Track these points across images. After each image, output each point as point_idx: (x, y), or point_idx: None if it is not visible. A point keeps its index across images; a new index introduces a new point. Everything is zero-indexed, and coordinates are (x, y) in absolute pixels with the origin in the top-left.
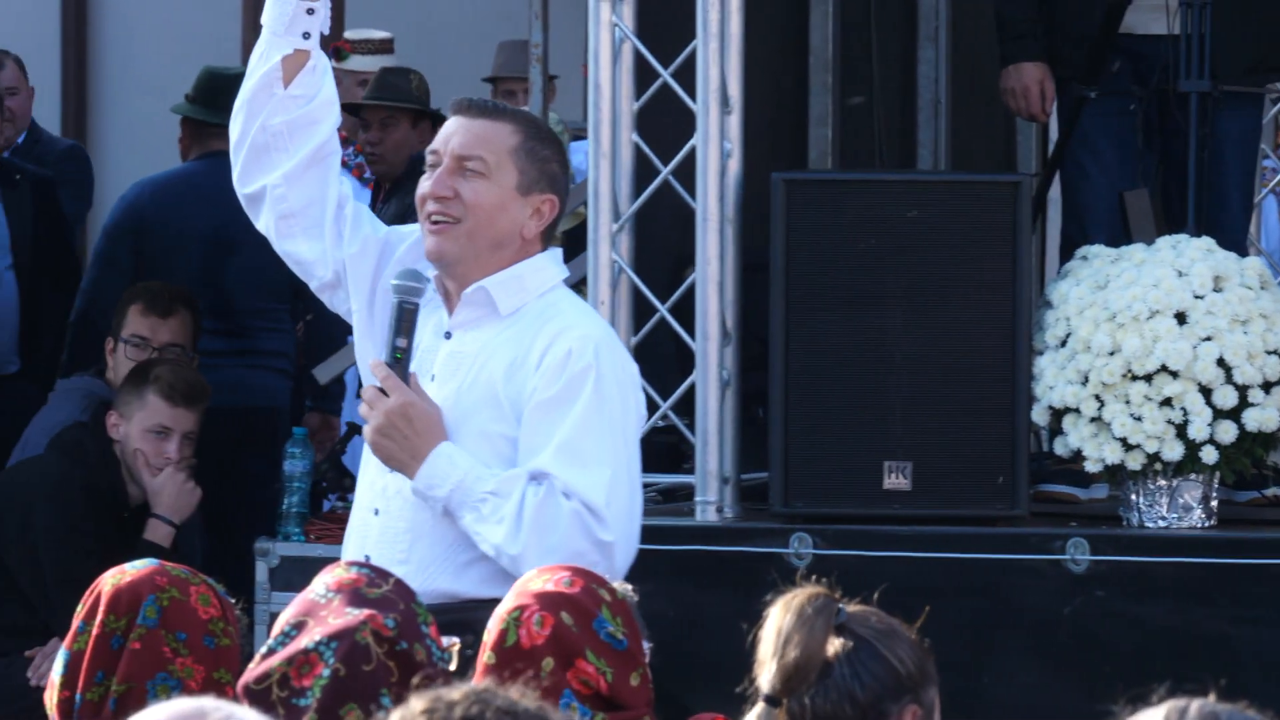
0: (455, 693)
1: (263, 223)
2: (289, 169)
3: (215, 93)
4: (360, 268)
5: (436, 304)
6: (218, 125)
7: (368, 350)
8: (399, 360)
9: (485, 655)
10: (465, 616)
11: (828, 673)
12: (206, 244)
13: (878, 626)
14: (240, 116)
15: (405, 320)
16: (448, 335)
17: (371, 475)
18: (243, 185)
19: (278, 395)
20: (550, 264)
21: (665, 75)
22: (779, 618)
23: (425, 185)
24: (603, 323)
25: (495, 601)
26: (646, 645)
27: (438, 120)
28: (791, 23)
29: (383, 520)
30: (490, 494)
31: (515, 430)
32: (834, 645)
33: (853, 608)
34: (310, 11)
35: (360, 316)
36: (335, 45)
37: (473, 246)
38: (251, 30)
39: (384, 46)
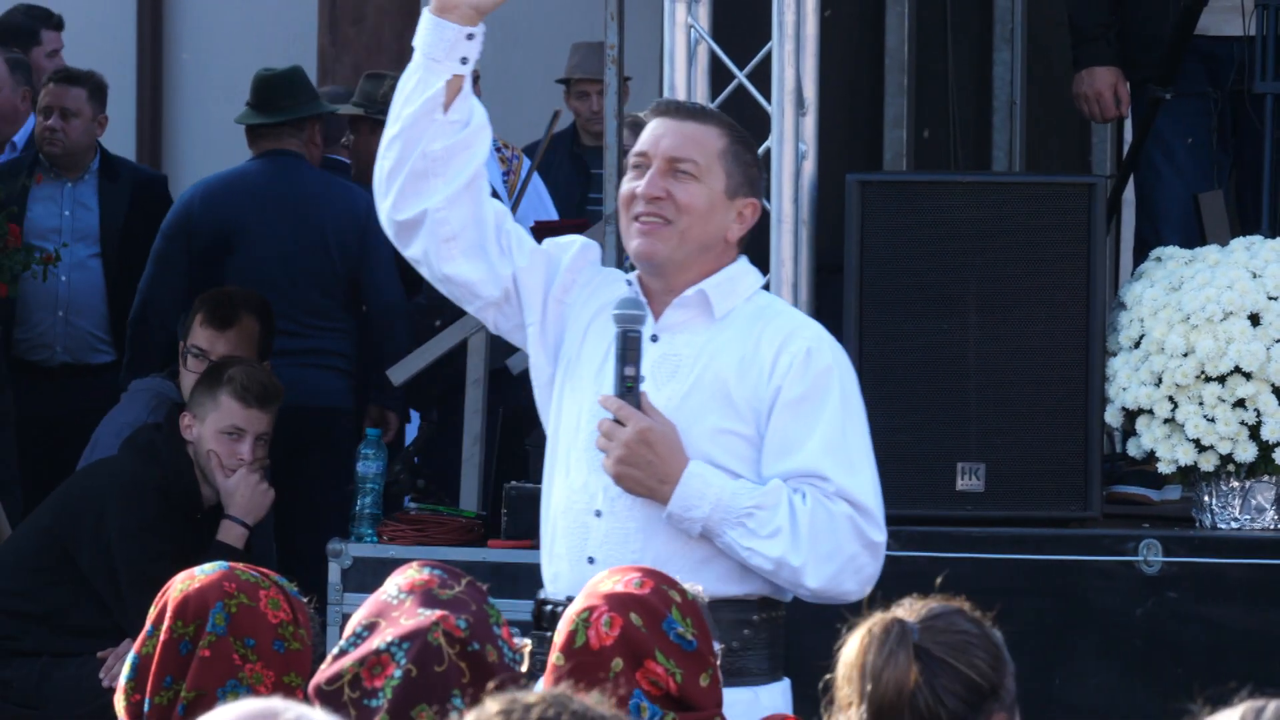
0: (532, 696)
1: (417, 249)
2: (449, 193)
3: (268, 94)
4: (532, 280)
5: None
6: (271, 125)
7: (541, 363)
8: (630, 389)
9: (554, 656)
10: (729, 619)
11: (911, 700)
12: (259, 243)
13: (949, 640)
14: (398, 144)
15: (631, 349)
16: (654, 338)
17: (583, 477)
18: (398, 213)
19: (336, 395)
20: (752, 269)
21: (740, 76)
22: (859, 654)
23: (634, 185)
24: (820, 324)
25: (736, 600)
26: (717, 646)
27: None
28: (867, 24)
29: (608, 522)
30: (755, 507)
31: (749, 429)
32: (914, 671)
33: (919, 609)
34: (470, 37)
35: (534, 330)
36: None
37: (683, 248)
38: (327, 33)
39: None
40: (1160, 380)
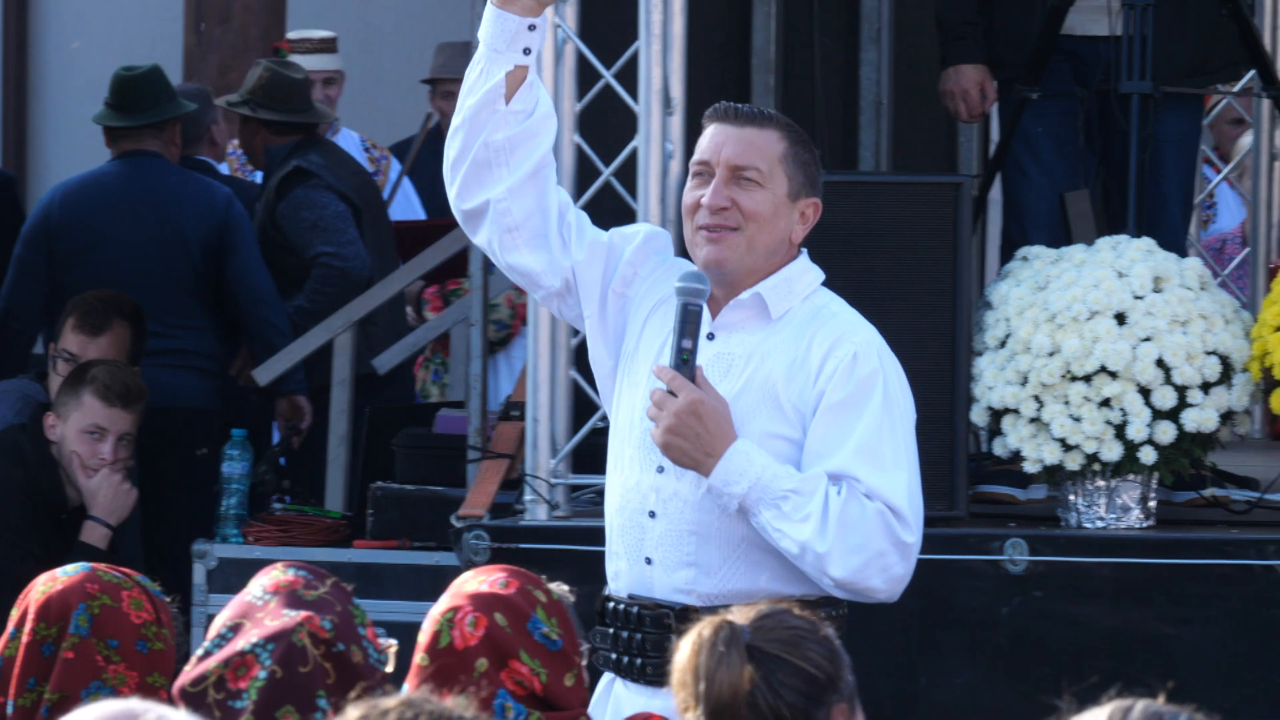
0: (390, 701)
1: (483, 237)
2: (512, 183)
3: (127, 95)
4: (589, 274)
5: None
6: (131, 127)
7: (601, 355)
8: (685, 362)
9: (419, 656)
10: None
11: (750, 700)
12: (119, 245)
13: (783, 636)
14: (461, 134)
15: (690, 322)
16: (710, 336)
17: (636, 476)
18: (462, 202)
19: (200, 395)
20: (811, 267)
21: (608, 76)
22: (691, 658)
23: (698, 195)
24: (873, 327)
25: (794, 600)
26: (584, 647)
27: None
28: (734, 23)
29: (662, 524)
30: (792, 491)
31: (795, 432)
32: (748, 670)
33: (749, 612)
34: (532, 28)
35: (592, 322)
36: (275, 45)
37: (751, 255)
38: (193, 32)
39: (324, 45)
40: (1026, 380)
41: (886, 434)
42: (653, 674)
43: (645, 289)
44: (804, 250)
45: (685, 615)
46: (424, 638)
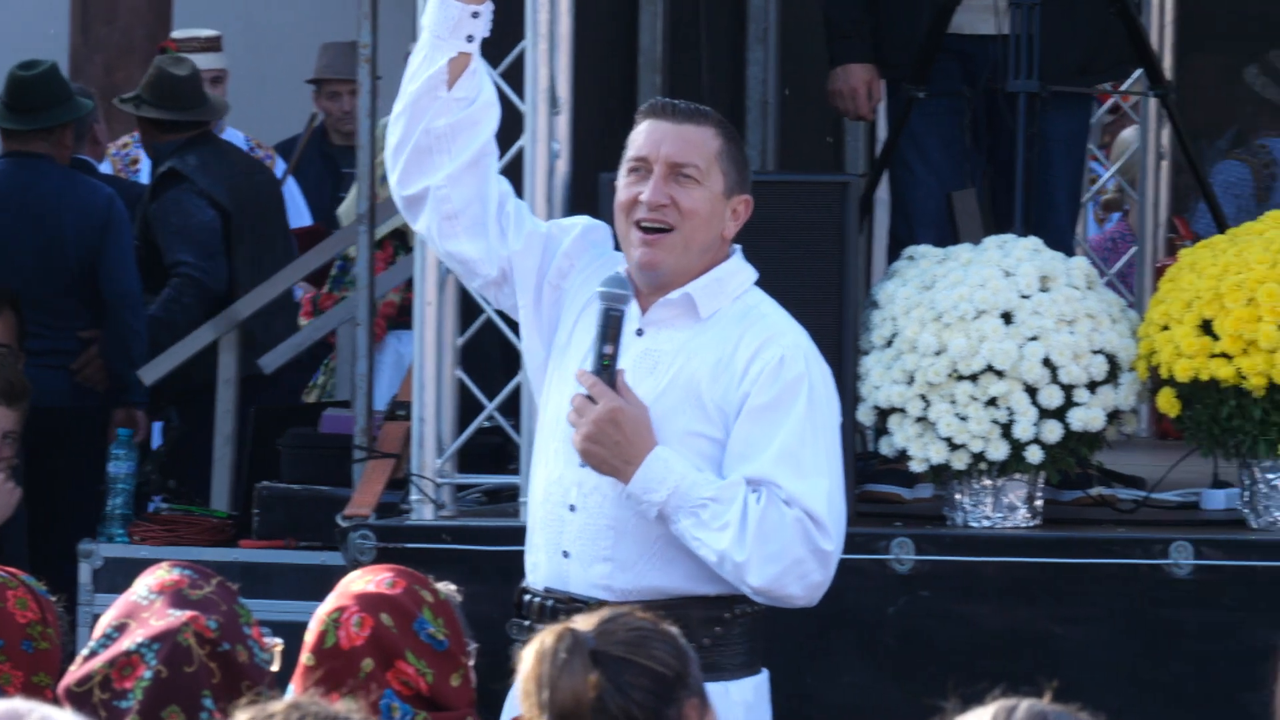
0: (277, 705)
1: (423, 223)
2: (452, 170)
3: (21, 97)
4: (526, 264)
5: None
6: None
7: (535, 346)
8: (606, 367)
9: (305, 656)
10: (675, 613)
11: (600, 704)
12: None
13: (626, 638)
14: (403, 120)
15: (612, 327)
16: (639, 332)
17: (559, 470)
18: (404, 187)
19: (80, 394)
20: (744, 266)
21: (494, 75)
22: (534, 667)
23: (636, 192)
24: (804, 330)
25: (706, 598)
26: (471, 647)
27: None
28: (620, 23)
29: (581, 517)
30: (710, 500)
31: (717, 432)
32: (592, 676)
33: (592, 619)
34: (475, 15)
35: (527, 312)
36: (161, 45)
37: (686, 255)
38: (80, 32)
39: (210, 44)
40: (912, 379)
41: (809, 440)
42: None
43: (580, 281)
44: (738, 248)
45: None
46: (310, 638)
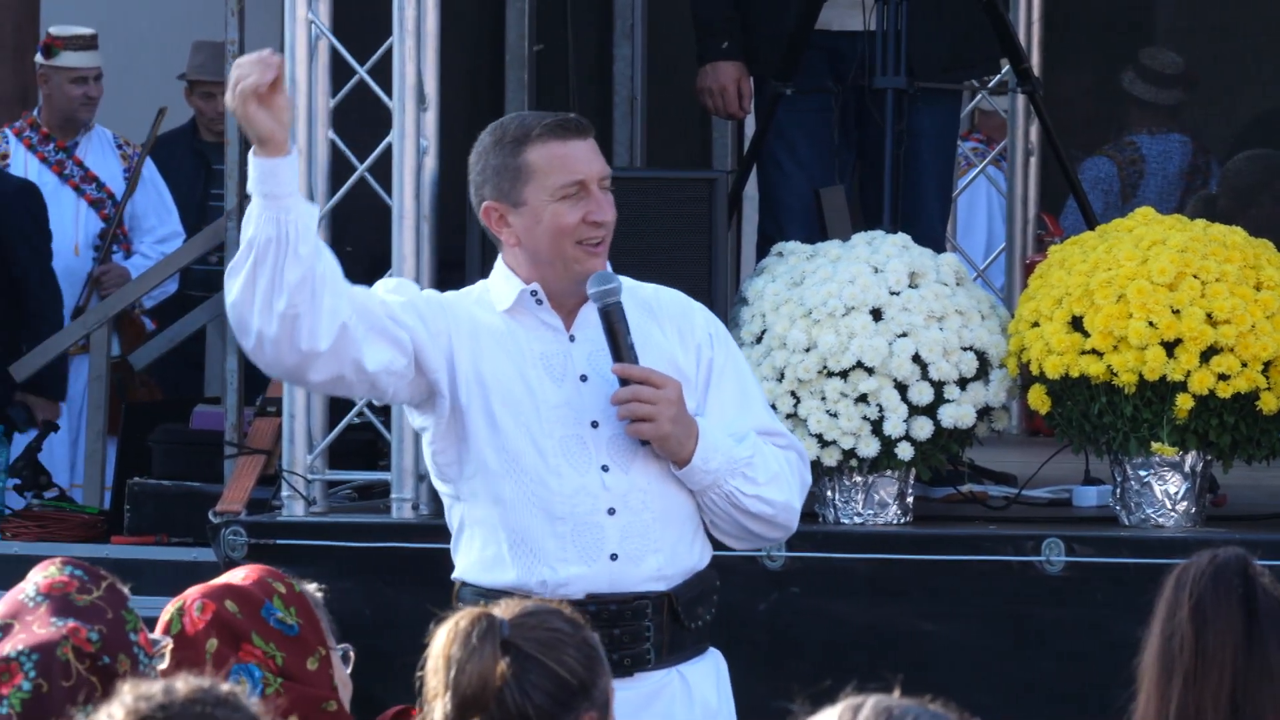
0: (154, 685)
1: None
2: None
3: None
4: (420, 334)
5: (533, 325)
6: None
7: (443, 407)
8: (635, 358)
9: None
10: (707, 587)
11: (500, 697)
12: None
13: (541, 637)
14: (258, 300)
15: (619, 318)
16: (572, 339)
17: (576, 480)
18: (309, 375)
19: None
20: None
21: (361, 72)
22: (445, 647)
23: (583, 213)
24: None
25: (708, 570)
26: (342, 646)
27: None
28: (487, 18)
29: (624, 518)
30: (748, 458)
31: (694, 402)
32: (500, 665)
33: (514, 608)
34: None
35: (440, 376)
36: (45, 43)
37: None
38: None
39: (91, 43)
40: (783, 375)
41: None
42: (631, 664)
43: (450, 327)
44: None
45: (661, 602)
46: (158, 629)
